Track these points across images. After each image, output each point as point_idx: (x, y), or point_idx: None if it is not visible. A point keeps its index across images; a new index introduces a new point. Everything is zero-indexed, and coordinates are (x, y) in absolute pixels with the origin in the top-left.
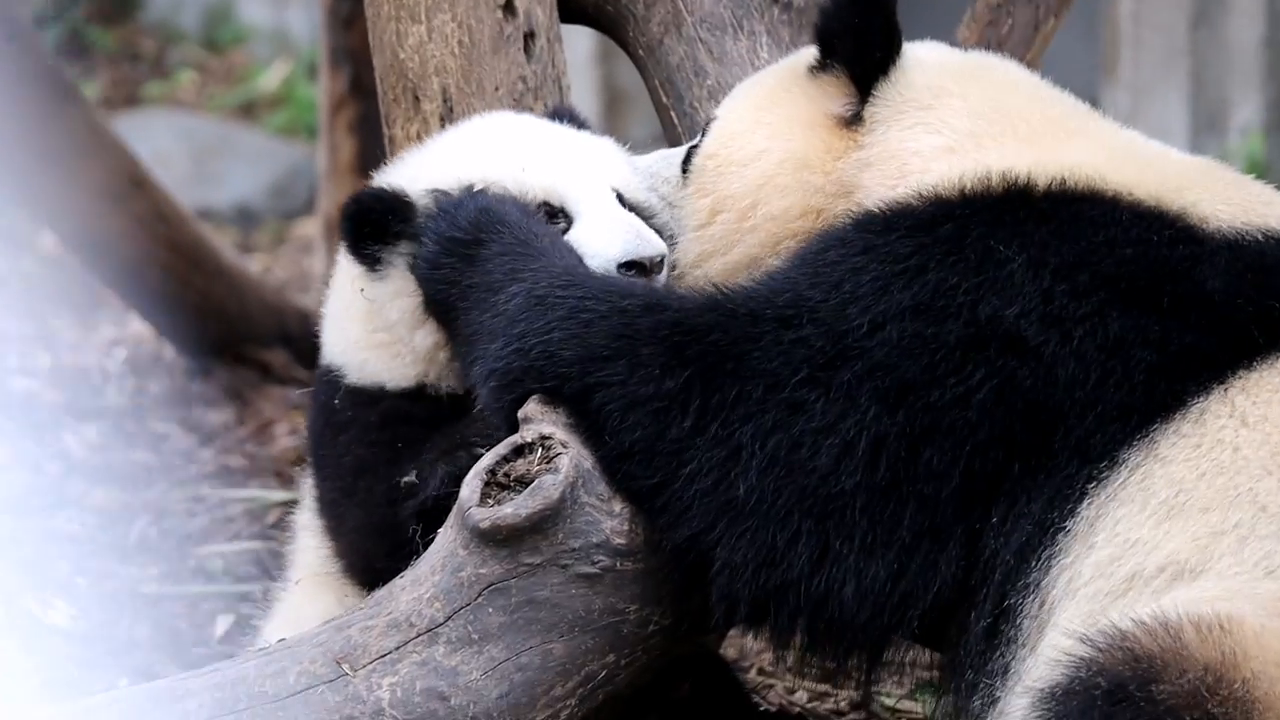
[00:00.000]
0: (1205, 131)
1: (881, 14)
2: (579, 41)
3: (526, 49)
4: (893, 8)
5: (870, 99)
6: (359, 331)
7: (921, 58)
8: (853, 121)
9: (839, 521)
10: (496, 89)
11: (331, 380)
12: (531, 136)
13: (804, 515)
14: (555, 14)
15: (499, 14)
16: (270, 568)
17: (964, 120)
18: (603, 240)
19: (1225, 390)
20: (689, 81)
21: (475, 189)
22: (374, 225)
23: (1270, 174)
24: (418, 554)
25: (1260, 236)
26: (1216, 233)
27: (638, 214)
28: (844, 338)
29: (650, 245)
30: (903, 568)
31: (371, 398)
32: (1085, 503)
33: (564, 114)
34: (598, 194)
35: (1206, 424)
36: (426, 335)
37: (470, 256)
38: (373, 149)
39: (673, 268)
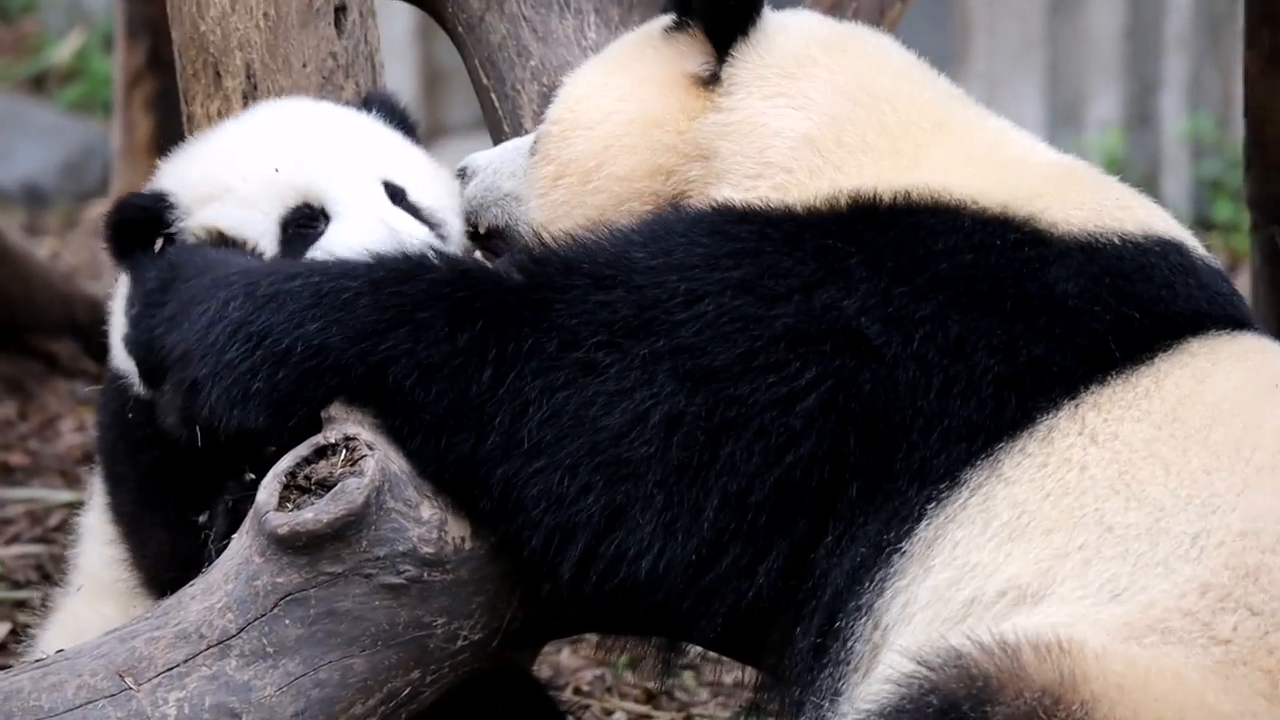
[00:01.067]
0: (1061, 125)
1: None
2: (396, 17)
3: (338, 24)
4: None
5: (729, 59)
6: None
7: (787, 24)
8: (710, 81)
9: (632, 487)
10: (305, 66)
11: (121, 388)
12: (303, 130)
13: (593, 470)
14: None
15: None
16: (52, 573)
17: (828, 98)
18: (348, 240)
19: (1076, 406)
20: (511, 62)
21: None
22: (139, 234)
23: (1128, 171)
24: None
25: (1116, 240)
26: (1067, 235)
27: (421, 215)
28: (653, 307)
29: (406, 244)
30: (707, 560)
31: None
32: (924, 524)
33: (375, 100)
34: (362, 192)
35: (1054, 442)
36: None
37: (165, 300)
38: (171, 127)
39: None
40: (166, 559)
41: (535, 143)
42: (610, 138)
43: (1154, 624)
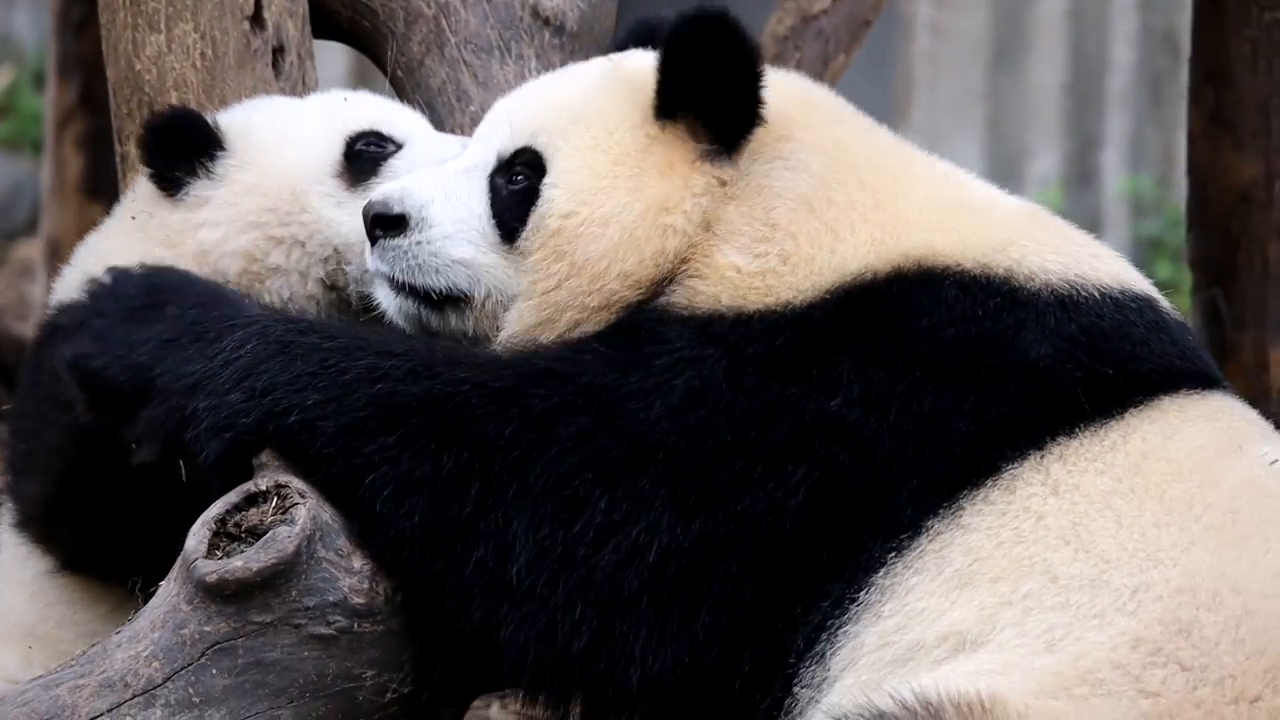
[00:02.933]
0: (1001, 181)
1: (751, 73)
2: (333, 59)
3: (275, 65)
4: (760, 63)
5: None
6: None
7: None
8: (714, 156)
9: (626, 615)
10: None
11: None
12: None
13: (587, 606)
14: (308, 29)
15: (246, 25)
16: None
17: (814, 157)
18: (431, 152)
19: (1042, 458)
20: (451, 106)
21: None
22: (186, 146)
23: None
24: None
25: (1096, 294)
26: (1045, 289)
27: None
28: (646, 438)
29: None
30: (695, 661)
31: None
32: (881, 572)
33: None
34: (427, 127)
35: (1017, 491)
36: (233, 261)
37: (154, 318)
38: (103, 166)
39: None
40: (53, 458)
41: (535, 232)
42: (624, 233)
43: (1084, 675)
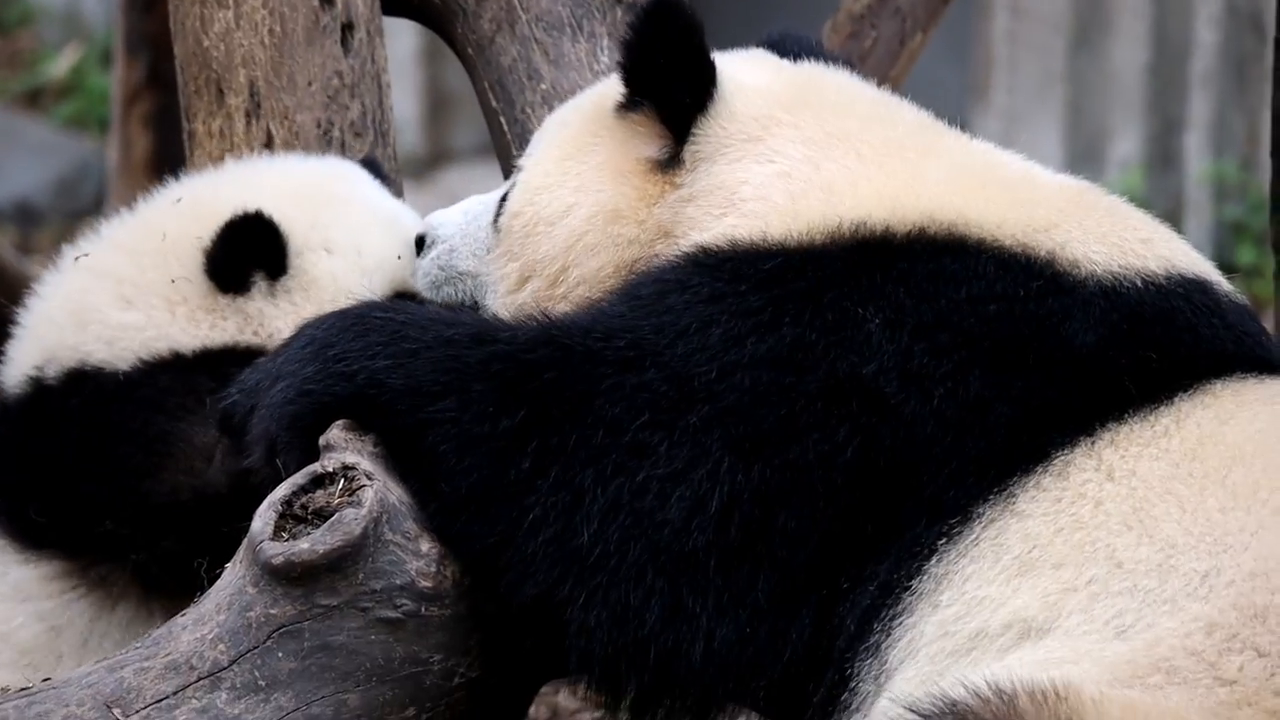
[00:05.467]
0: (1081, 163)
1: (691, 51)
2: (403, 37)
3: (344, 42)
4: (701, 42)
5: (689, 138)
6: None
7: (745, 83)
8: (669, 165)
9: (692, 580)
10: (310, 84)
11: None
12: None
13: (656, 572)
14: (378, 5)
15: (315, 1)
16: None
17: (797, 148)
18: None
19: (1093, 444)
20: (521, 85)
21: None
22: (257, 255)
23: (1149, 212)
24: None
25: (1139, 283)
26: (1090, 278)
27: None
28: (691, 382)
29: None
30: (754, 632)
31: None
32: (934, 560)
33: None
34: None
35: (1070, 478)
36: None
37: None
38: (170, 145)
39: None
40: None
41: (496, 232)
42: (573, 236)
43: (1158, 663)
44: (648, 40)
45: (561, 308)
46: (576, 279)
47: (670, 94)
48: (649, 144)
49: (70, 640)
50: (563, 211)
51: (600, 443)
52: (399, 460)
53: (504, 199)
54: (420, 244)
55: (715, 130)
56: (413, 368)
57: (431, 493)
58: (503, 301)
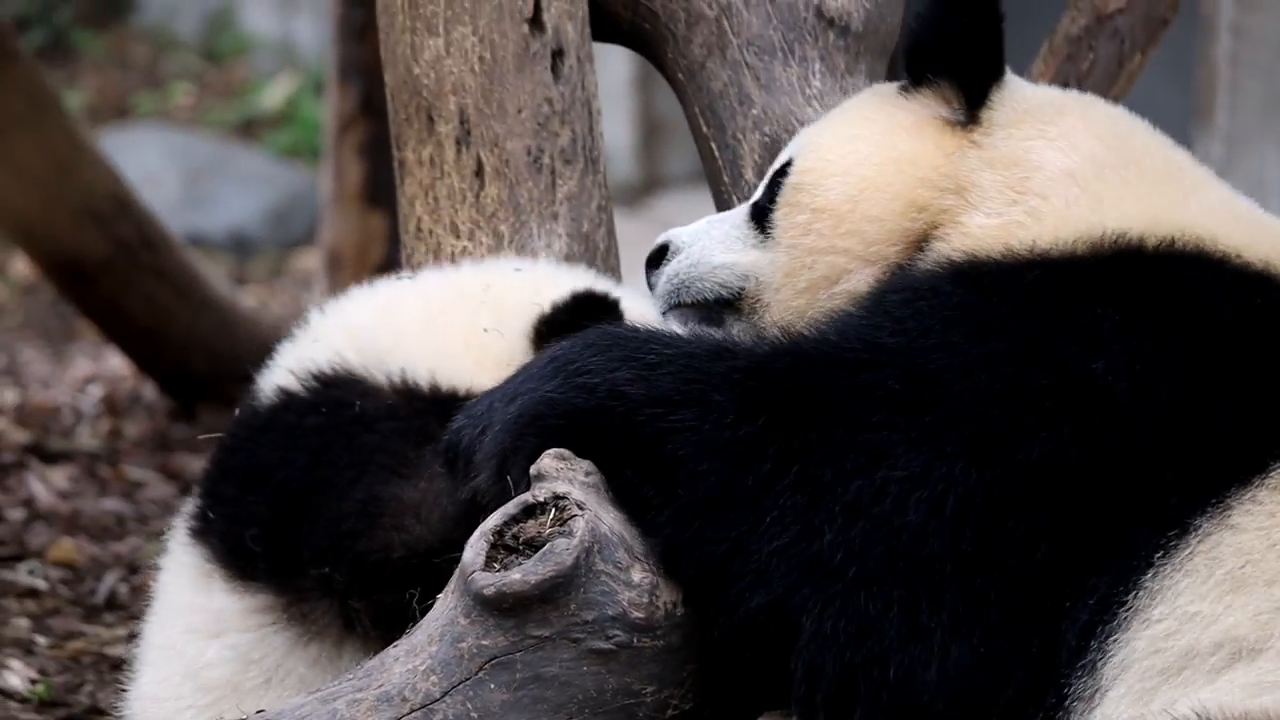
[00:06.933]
0: None
1: (990, 17)
2: (614, 64)
3: (554, 69)
4: (1000, 10)
5: (986, 104)
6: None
7: (1024, 83)
8: (965, 123)
9: (929, 590)
10: (520, 111)
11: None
12: None
13: (895, 580)
14: (588, 31)
15: (525, 28)
16: None
17: (1086, 142)
18: None
19: None
20: (732, 110)
21: None
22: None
23: None
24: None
25: None
26: None
27: None
28: (929, 381)
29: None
30: (988, 653)
31: None
32: (1150, 573)
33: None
34: None
35: None
36: None
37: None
38: (382, 174)
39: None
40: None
41: (780, 194)
42: (865, 180)
43: None
44: (946, 9)
45: (838, 247)
46: (863, 215)
47: (970, 57)
48: (942, 108)
49: (254, 677)
50: (858, 161)
51: (840, 442)
52: (637, 467)
53: (776, 183)
54: (659, 257)
55: (1008, 105)
56: (654, 380)
57: (667, 499)
58: (786, 248)
